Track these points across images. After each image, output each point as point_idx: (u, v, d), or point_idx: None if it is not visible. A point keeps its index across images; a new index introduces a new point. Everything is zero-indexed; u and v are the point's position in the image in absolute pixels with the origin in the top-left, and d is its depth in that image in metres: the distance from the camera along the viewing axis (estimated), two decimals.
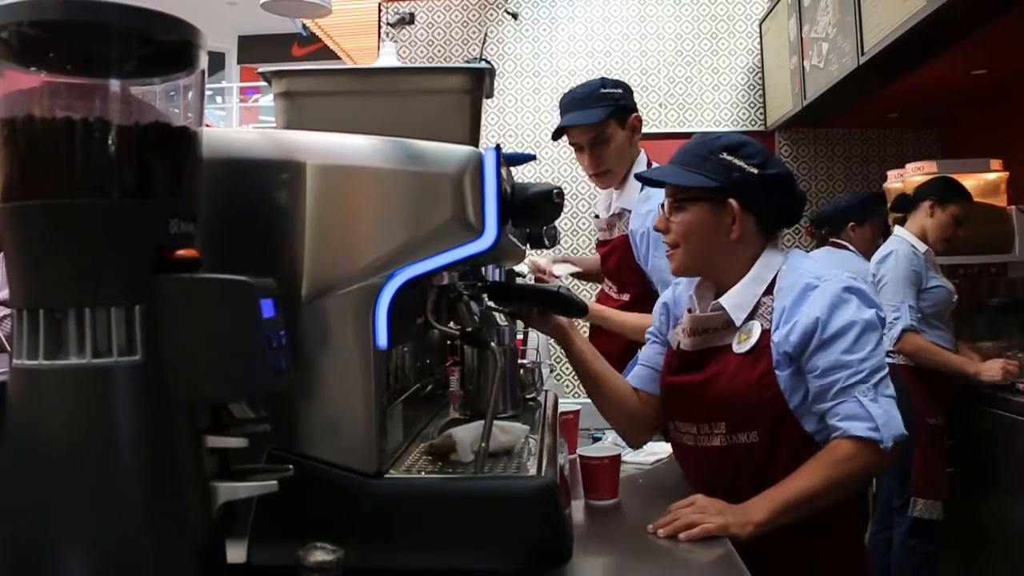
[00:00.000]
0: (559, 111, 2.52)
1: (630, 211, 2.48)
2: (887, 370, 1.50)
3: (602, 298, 2.72)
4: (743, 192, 1.55)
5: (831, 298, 1.49)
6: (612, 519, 1.57)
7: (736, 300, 1.58)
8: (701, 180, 1.55)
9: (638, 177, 1.79)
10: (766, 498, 1.43)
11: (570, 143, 2.52)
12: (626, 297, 2.58)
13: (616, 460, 1.62)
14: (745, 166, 1.54)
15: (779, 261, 1.60)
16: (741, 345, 1.56)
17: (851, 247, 3.82)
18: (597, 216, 2.74)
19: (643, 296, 2.48)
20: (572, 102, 2.46)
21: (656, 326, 1.84)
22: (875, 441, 1.44)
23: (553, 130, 2.53)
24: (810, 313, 1.49)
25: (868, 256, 3.76)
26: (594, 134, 2.44)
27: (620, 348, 2.42)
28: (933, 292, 3.25)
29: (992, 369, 3.10)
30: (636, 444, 1.86)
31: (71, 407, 0.81)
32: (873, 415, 1.44)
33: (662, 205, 1.66)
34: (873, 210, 3.86)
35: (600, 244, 2.73)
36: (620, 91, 2.46)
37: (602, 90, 2.43)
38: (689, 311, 1.68)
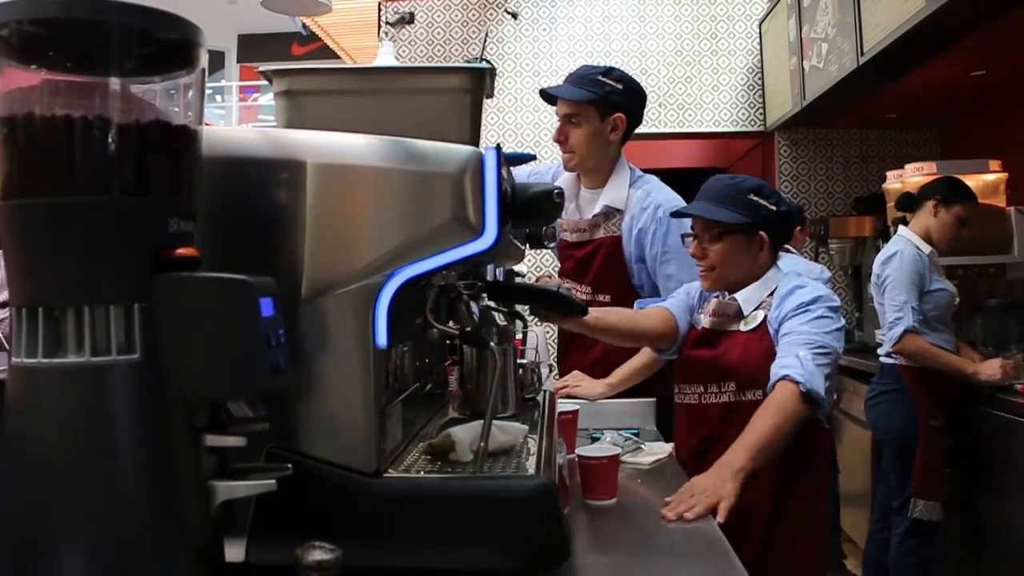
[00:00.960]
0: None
1: (620, 211, 2.46)
2: (834, 357, 1.81)
3: None
4: (768, 225, 1.94)
5: (814, 292, 1.87)
6: (610, 518, 1.56)
7: (747, 296, 1.96)
8: (739, 217, 1.91)
9: (676, 213, 2.09)
10: (737, 450, 1.65)
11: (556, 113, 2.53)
12: (607, 298, 2.49)
13: (615, 460, 1.62)
14: (768, 205, 1.93)
15: (782, 272, 1.98)
16: (747, 325, 1.94)
17: (793, 248, 3.92)
18: (566, 216, 2.62)
19: (624, 298, 2.43)
20: (571, 76, 2.50)
21: (685, 294, 2.12)
22: (798, 383, 1.70)
23: (541, 89, 2.53)
24: (795, 300, 1.86)
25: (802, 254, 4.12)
26: (569, 111, 2.45)
27: (590, 360, 2.42)
28: (936, 295, 3.24)
29: (991, 368, 3.10)
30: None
31: (70, 405, 0.81)
32: (804, 366, 1.72)
33: (693, 236, 1.99)
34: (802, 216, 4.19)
35: (575, 246, 2.60)
36: (619, 87, 2.45)
37: (599, 77, 2.44)
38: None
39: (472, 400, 1.58)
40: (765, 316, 1.91)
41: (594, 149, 2.47)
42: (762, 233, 1.94)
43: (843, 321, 1.86)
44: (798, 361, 1.73)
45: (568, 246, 2.63)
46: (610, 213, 2.49)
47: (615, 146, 2.51)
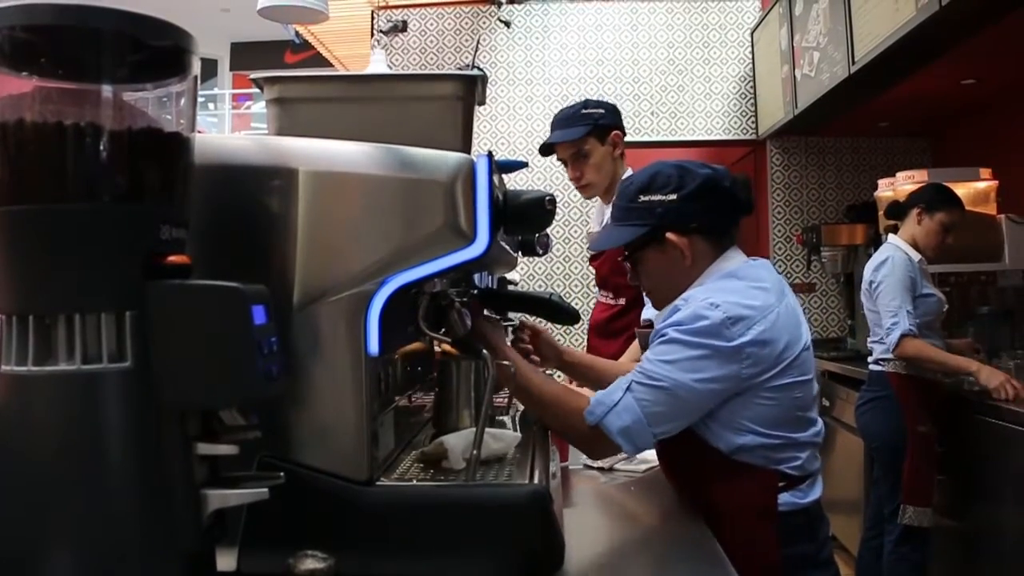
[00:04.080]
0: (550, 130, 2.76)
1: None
2: (670, 389, 1.44)
3: (599, 307, 2.90)
4: (673, 222, 1.58)
5: (683, 313, 1.49)
6: (604, 526, 1.56)
7: (659, 319, 1.61)
8: (634, 231, 1.61)
9: (594, 247, 1.95)
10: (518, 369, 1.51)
11: (558, 159, 2.78)
12: (622, 301, 2.74)
13: None
14: (663, 198, 1.58)
15: (707, 280, 1.59)
16: None
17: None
18: (591, 232, 2.94)
19: (637, 299, 2.61)
20: (557, 122, 2.71)
21: None
22: (587, 409, 1.46)
23: (540, 146, 2.77)
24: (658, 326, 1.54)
25: None
26: (574, 150, 2.68)
27: (609, 355, 2.48)
28: (925, 301, 3.25)
29: (994, 377, 3.04)
30: None
31: (60, 414, 0.81)
32: (608, 392, 1.47)
33: (622, 260, 1.72)
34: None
35: (593, 258, 2.90)
36: (601, 111, 2.69)
37: (583, 111, 2.68)
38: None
39: (439, 417, 1.51)
40: None
41: (606, 172, 2.71)
42: (669, 235, 1.58)
43: (719, 343, 1.44)
44: (613, 389, 1.47)
45: (591, 259, 2.95)
46: None
47: (620, 161, 2.74)
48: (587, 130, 2.65)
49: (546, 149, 2.75)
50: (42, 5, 0.80)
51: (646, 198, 1.59)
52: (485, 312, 1.69)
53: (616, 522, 1.61)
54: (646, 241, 1.61)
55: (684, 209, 1.57)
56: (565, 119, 2.69)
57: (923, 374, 3.23)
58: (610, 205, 2.62)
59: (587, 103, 2.71)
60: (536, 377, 1.56)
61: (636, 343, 2.47)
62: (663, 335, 1.49)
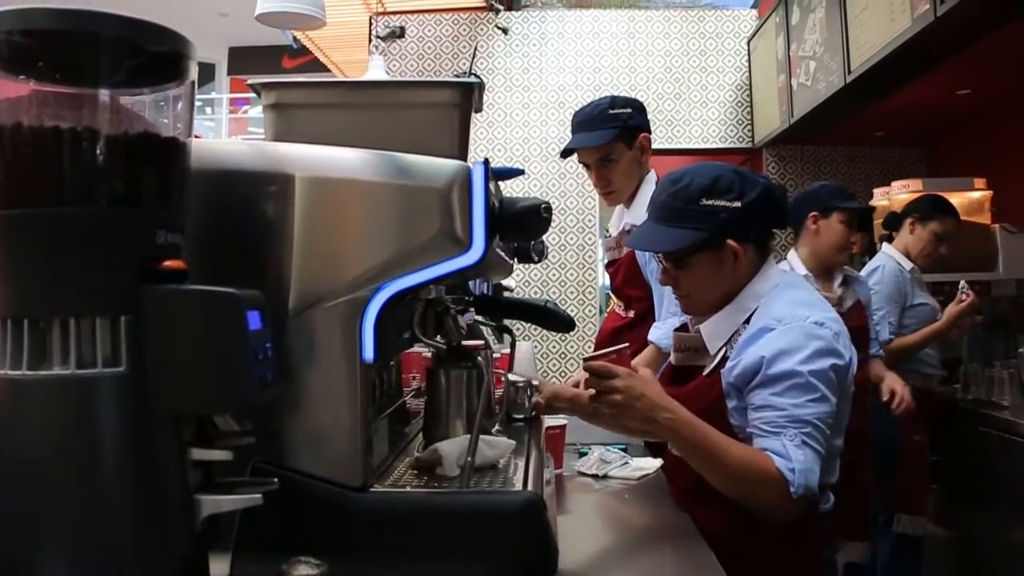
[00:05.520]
0: (570, 129, 2.53)
1: (637, 226, 2.48)
2: (823, 426, 1.43)
3: (611, 316, 2.76)
4: (735, 229, 1.55)
5: (781, 343, 1.46)
6: (597, 533, 1.56)
7: (713, 329, 1.60)
8: (693, 235, 1.55)
9: (629, 244, 1.84)
10: (683, 422, 1.41)
11: (579, 162, 2.54)
12: (631, 314, 2.59)
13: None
14: (728, 204, 1.53)
15: (765, 289, 1.58)
16: (709, 366, 1.60)
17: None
18: (608, 236, 2.75)
19: (648, 311, 2.49)
20: (581, 123, 2.47)
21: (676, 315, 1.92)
22: (788, 482, 1.37)
23: (562, 149, 2.55)
24: (756, 352, 1.47)
25: None
26: (600, 155, 2.46)
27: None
28: (918, 310, 3.27)
29: (950, 313, 3.21)
30: None
31: (54, 418, 0.81)
32: (793, 457, 1.39)
33: (658, 260, 1.67)
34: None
35: (609, 264, 2.72)
36: (629, 111, 2.46)
37: (610, 111, 2.44)
38: (681, 328, 1.72)
39: (429, 428, 1.50)
40: (723, 360, 1.56)
41: (631, 176, 2.50)
42: (730, 242, 1.54)
43: (826, 360, 1.44)
44: (783, 447, 1.40)
45: (607, 265, 2.73)
46: (631, 229, 2.49)
47: (646, 164, 2.53)
48: (614, 134, 2.41)
49: (567, 152, 2.53)
50: (39, 9, 0.80)
51: (709, 202, 1.54)
52: (479, 318, 1.69)
53: (610, 529, 1.61)
54: (703, 246, 1.55)
55: (746, 217, 1.54)
56: (589, 120, 2.44)
57: (917, 383, 3.24)
58: (631, 208, 2.51)
59: (613, 101, 2.46)
60: (721, 440, 1.42)
61: (646, 354, 2.33)
62: (791, 374, 1.43)
